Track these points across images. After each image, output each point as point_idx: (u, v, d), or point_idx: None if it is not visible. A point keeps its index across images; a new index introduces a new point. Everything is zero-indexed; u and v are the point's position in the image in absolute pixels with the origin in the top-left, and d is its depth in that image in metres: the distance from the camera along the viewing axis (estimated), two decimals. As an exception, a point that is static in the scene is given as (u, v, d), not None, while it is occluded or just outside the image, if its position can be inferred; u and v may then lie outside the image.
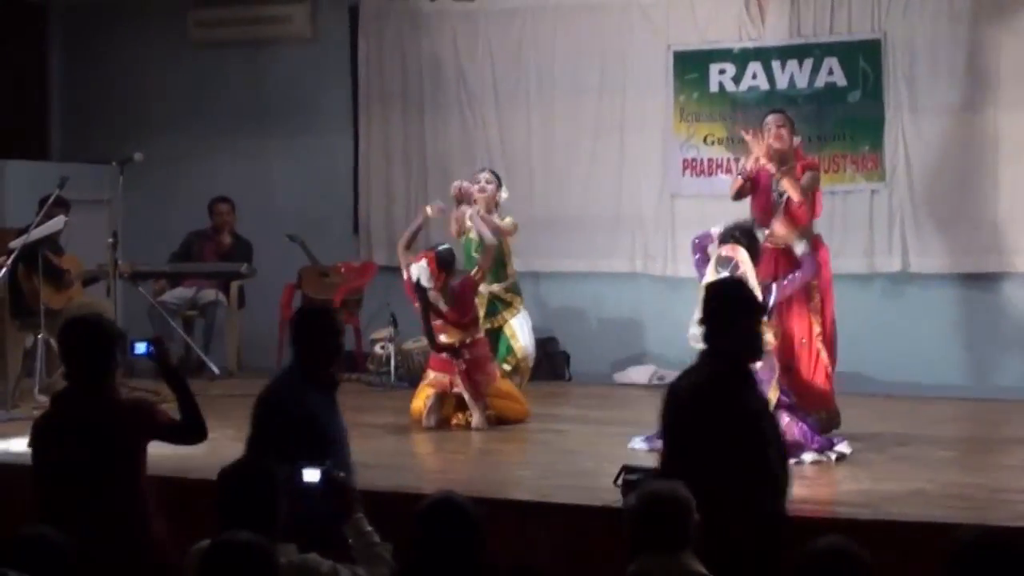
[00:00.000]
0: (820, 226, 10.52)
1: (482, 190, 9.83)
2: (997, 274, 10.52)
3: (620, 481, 6.68)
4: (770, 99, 10.97)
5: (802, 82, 10.99)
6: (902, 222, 10.74)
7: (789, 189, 8.41)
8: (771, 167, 8.51)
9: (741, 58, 11.16)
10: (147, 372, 11.37)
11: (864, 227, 10.82)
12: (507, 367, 9.77)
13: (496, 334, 9.84)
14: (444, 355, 9.25)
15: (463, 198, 9.95)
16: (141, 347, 5.73)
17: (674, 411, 5.47)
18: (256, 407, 5.92)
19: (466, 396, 9.18)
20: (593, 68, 11.61)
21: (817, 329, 8.45)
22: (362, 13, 12.39)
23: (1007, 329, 10.44)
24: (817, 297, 8.51)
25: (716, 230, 8.36)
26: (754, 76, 11.14)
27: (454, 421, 9.27)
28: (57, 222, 10.32)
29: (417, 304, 9.29)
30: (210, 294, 11.73)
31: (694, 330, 8.18)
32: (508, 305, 9.87)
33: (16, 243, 10.08)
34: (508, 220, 9.85)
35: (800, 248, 8.29)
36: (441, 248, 9.34)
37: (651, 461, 7.48)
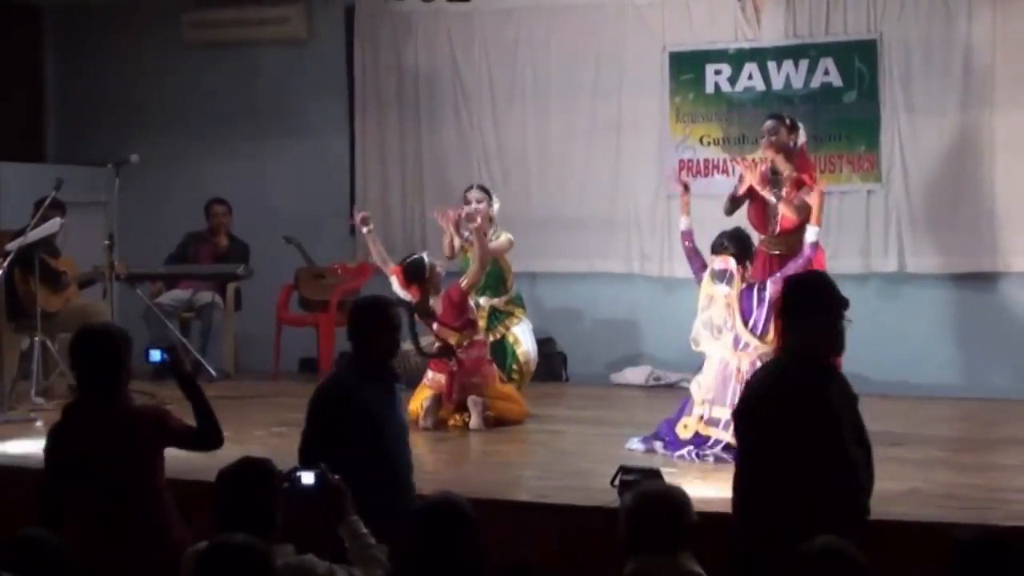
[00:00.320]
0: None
1: (476, 211, 9.78)
2: (993, 274, 10.53)
3: (617, 481, 6.69)
4: (766, 100, 10.98)
5: (798, 83, 11.00)
6: (898, 222, 10.75)
7: (785, 211, 8.46)
8: (767, 194, 8.52)
9: (737, 59, 11.17)
10: (144, 374, 11.42)
11: (860, 227, 10.83)
12: (515, 376, 9.79)
13: (499, 344, 9.84)
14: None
15: (459, 223, 9.91)
16: (156, 354, 5.71)
17: (749, 409, 5.32)
18: (312, 401, 5.90)
19: (457, 397, 9.18)
20: (589, 69, 11.61)
21: None
22: (357, 14, 12.39)
23: (1003, 329, 10.45)
24: None
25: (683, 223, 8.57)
26: (750, 77, 11.15)
27: (451, 422, 9.26)
28: (53, 224, 10.31)
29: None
30: (206, 296, 11.72)
31: (695, 333, 8.24)
32: (509, 315, 9.87)
33: (12, 245, 10.07)
34: (503, 238, 9.81)
35: (811, 235, 8.25)
36: (407, 261, 9.36)
37: (648, 462, 7.53)
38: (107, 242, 10.39)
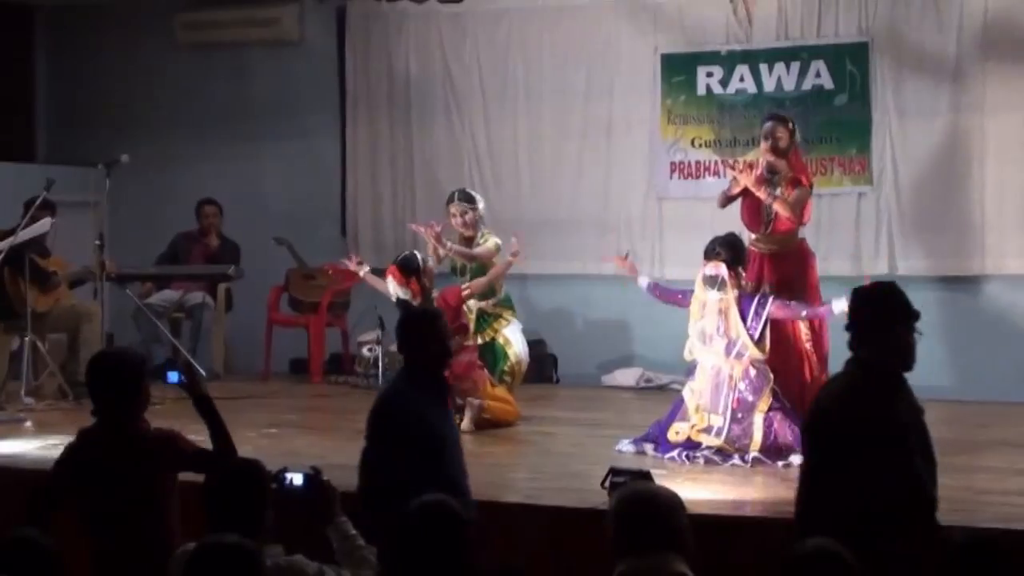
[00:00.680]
0: (807, 229, 10.56)
1: (466, 224, 9.70)
2: (983, 277, 10.55)
3: (607, 483, 6.68)
4: (757, 102, 10.99)
5: (789, 85, 11.01)
6: (889, 225, 10.76)
7: (781, 211, 8.46)
8: (762, 194, 8.52)
9: (728, 61, 11.18)
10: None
11: (851, 230, 10.84)
12: (507, 378, 9.77)
13: (489, 347, 9.83)
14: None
15: (440, 237, 9.77)
16: (174, 376, 5.69)
17: (817, 420, 5.23)
18: (371, 417, 5.87)
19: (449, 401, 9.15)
20: (580, 71, 11.62)
21: (805, 332, 8.49)
22: (349, 16, 12.39)
23: (992, 331, 10.46)
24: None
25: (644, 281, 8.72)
26: (741, 79, 11.16)
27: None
28: (43, 224, 10.30)
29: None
30: (197, 296, 11.71)
31: (690, 345, 8.25)
32: (497, 318, 9.85)
33: (2, 245, 10.06)
34: (490, 243, 9.69)
35: (838, 307, 8.25)
36: (400, 257, 9.35)
37: (638, 463, 7.53)
38: (97, 242, 10.39)
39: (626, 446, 8.30)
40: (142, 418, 5.53)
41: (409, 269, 9.22)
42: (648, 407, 9.31)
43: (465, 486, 5.87)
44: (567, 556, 6.41)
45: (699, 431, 8.06)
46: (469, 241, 9.70)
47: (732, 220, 9.01)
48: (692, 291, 8.35)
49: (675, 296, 8.53)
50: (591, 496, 6.60)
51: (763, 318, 8.05)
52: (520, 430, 9.23)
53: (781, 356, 8.26)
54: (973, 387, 10.26)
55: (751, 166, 8.86)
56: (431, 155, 12.11)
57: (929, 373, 10.47)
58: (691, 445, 8.04)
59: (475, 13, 11.95)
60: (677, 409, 8.28)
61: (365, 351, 11.40)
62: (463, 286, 9.45)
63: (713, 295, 8.11)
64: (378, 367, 11.21)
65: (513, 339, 9.83)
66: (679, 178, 11.36)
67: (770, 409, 8.00)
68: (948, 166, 10.59)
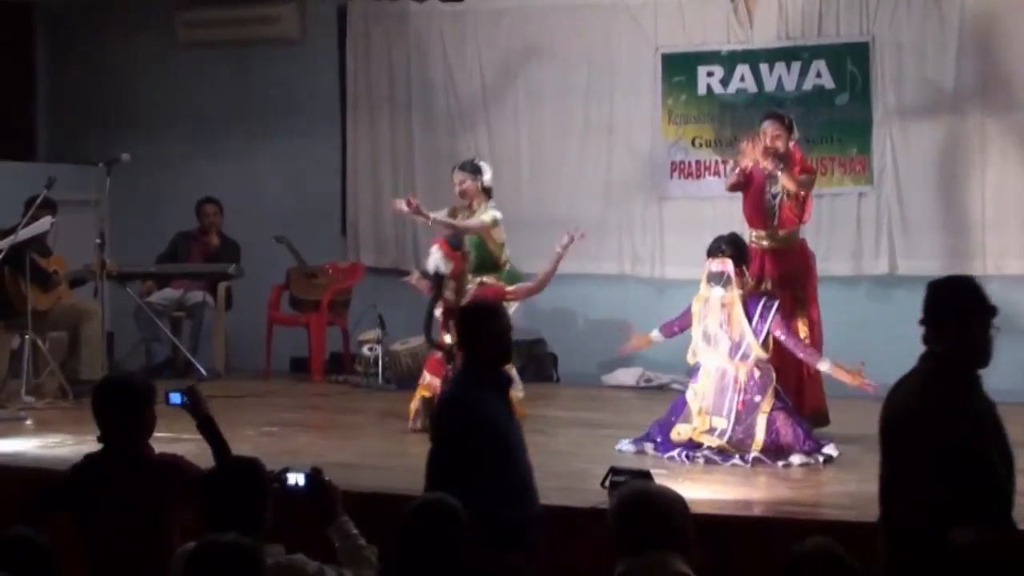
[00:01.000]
0: (808, 228, 10.55)
1: (462, 193, 9.64)
2: (983, 277, 10.50)
3: (607, 483, 6.68)
4: (758, 101, 10.98)
5: (790, 84, 11.01)
6: (889, 225, 10.76)
7: (787, 182, 8.47)
8: (769, 163, 8.52)
9: (729, 60, 11.17)
10: (135, 370, 11.42)
11: (851, 230, 10.84)
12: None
13: None
14: (439, 356, 9.15)
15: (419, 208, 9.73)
16: (176, 397, 5.65)
17: (892, 416, 5.17)
18: (436, 419, 5.83)
19: None
20: (581, 70, 11.62)
21: (804, 332, 8.51)
22: (350, 14, 12.39)
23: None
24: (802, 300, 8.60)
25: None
26: (742, 79, 11.16)
27: None
28: (44, 223, 10.30)
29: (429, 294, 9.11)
30: (197, 295, 11.71)
31: (694, 345, 8.24)
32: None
33: (3, 244, 10.07)
34: (486, 216, 9.47)
35: (824, 367, 8.27)
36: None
37: (638, 463, 7.53)
38: (98, 241, 10.40)
39: (626, 445, 8.30)
40: (147, 443, 5.49)
41: (455, 244, 9.14)
42: (648, 406, 9.31)
43: (533, 486, 5.76)
44: (567, 555, 6.41)
45: (701, 432, 8.06)
46: (468, 213, 9.56)
47: (734, 220, 9.01)
48: (688, 306, 8.36)
49: (680, 322, 8.49)
50: (591, 495, 6.59)
51: (768, 321, 8.06)
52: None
53: (778, 353, 8.26)
54: (973, 387, 10.24)
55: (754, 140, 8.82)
56: (431, 154, 12.11)
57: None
58: (692, 445, 8.04)
59: (476, 12, 11.95)
60: (677, 409, 8.27)
61: (366, 350, 11.39)
62: (509, 288, 9.30)
63: (716, 292, 8.10)
64: (378, 366, 11.21)
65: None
66: (680, 178, 11.35)
67: (773, 409, 8.00)
68: (949, 166, 10.59)
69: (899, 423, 5.08)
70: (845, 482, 7.40)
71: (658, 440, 8.21)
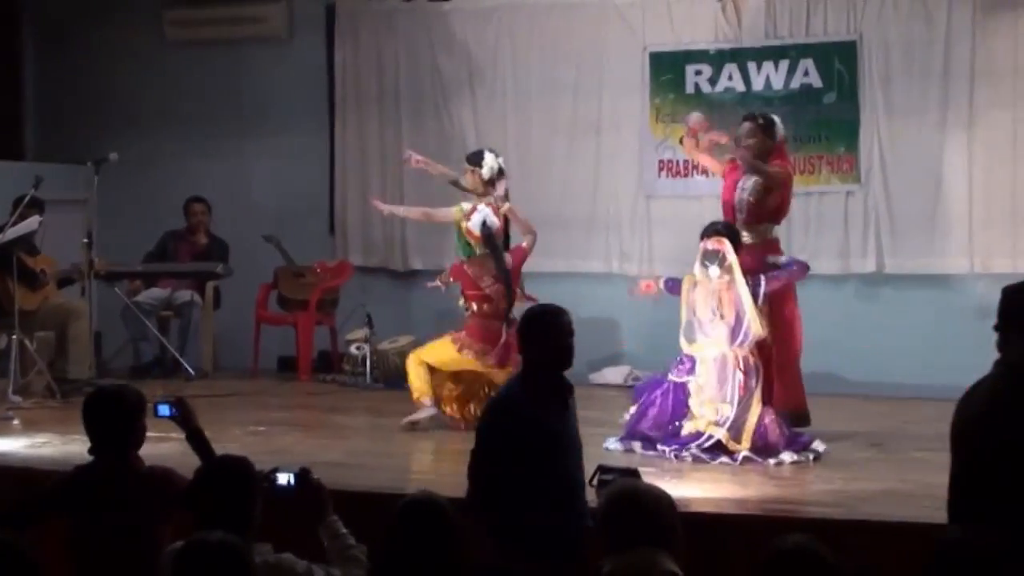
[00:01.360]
0: (795, 226, 10.60)
1: (471, 184, 9.66)
2: (971, 275, 10.57)
3: (595, 481, 6.70)
4: (746, 100, 11.00)
5: (778, 83, 11.02)
6: (877, 223, 10.78)
7: (745, 160, 8.52)
8: (718, 137, 8.70)
9: (717, 59, 11.19)
10: (122, 371, 11.43)
11: (839, 228, 10.86)
12: None
13: None
14: (497, 326, 8.96)
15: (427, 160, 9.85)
16: (164, 409, 5.62)
17: (964, 425, 5.10)
18: (483, 418, 5.77)
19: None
20: (569, 69, 11.63)
21: (765, 328, 8.45)
22: (338, 13, 12.38)
23: (980, 330, 10.37)
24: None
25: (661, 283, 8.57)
26: (730, 77, 11.17)
27: (448, 411, 9.16)
28: (32, 222, 10.28)
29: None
30: (185, 294, 11.69)
31: (685, 330, 8.24)
32: None
33: (-9, 243, 10.06)
34: (454, 209, 9.50)
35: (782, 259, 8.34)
36: None
37: (626, 462, 7.53)
38: (86, 240, 10.38)
39: (614, 444, 8.30)
40: (136, 455, 5.47)
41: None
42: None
43: (581, 498, 5.70)
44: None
45: (710, 423, 8.00)
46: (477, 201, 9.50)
47: (721, 219, 9.00)
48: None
49: (679, 285, 8.48)
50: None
51: (760, 299, 8.08)
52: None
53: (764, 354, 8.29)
54: (962, 385, 10.20)
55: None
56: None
57: (918, 371, 10.61)
58: (697, 436, 7.99)
59: (464, 10, 11.95)
60: (678, 410, 8.22)
61: (353, 349, 11.40)
62: (525, 243, 9.34)
63: (713, 271, 8.06)
64: (366, 365, 11.21)
65: None
66: (667, 176, 11.37)
67: (764, 402, 8.01)
68: (936, 164, 10.61)
69: (970, 428, 5.03)
70: (831, 480, 7.42)
71: (648, 435, 8.20)
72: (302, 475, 4.95)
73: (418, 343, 11.22)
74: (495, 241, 9.06)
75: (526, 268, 9.45)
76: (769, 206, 8.58)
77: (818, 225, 10.84)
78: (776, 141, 8.76)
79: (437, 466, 8.49)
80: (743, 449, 7.87)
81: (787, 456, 7.90)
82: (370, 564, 4.76)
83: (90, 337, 10.56)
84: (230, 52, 12.75)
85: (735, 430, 7.92)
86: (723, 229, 8.23)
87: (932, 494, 6.95)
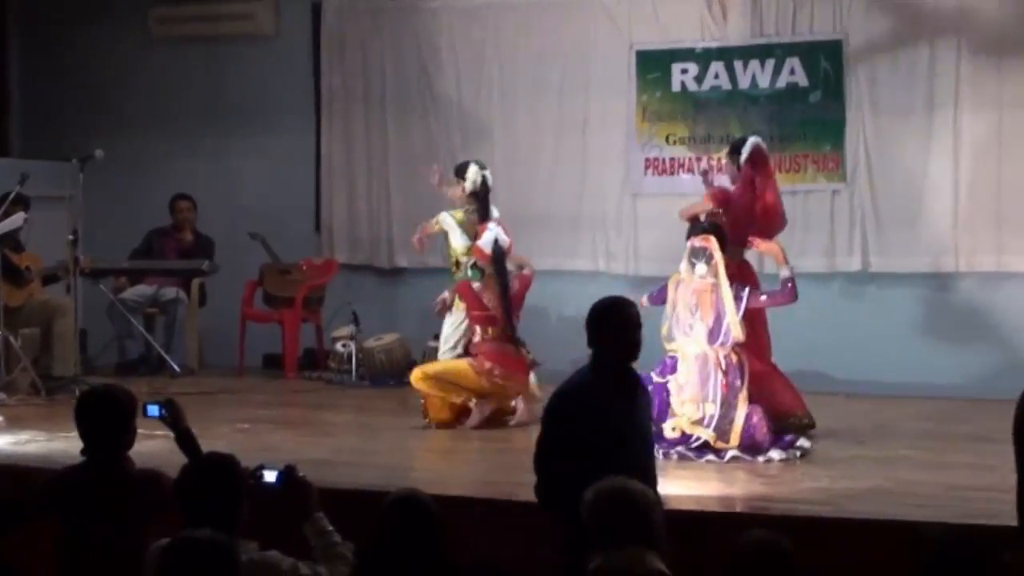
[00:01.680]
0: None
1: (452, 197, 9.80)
2: (956, 274, 10.59)
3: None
4: (732, 99, 11.02)
5: (764, 82, 11.02)
6: (862, 222, 10.79)
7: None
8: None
9: (703, 58, 11.19)
10: (108, 369, 11.42)
11: (824, 227, 10.87)
12: None
13: None
14: (512, 349, 9.12)
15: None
16: (154, 410, 5.60)
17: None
18: (548, 410, 5.71)
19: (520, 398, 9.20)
20: (555, 67, 11.62)
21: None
22: (324, 11, 12.36)
23: (966, 328, 10.49)
24: None
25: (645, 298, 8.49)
26: (716, 76, 11.17)
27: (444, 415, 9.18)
28: (17, 219, 10.27)
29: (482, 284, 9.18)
30: (171, 291, 11.68)
31: (666, 331, 8.25)
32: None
33: (-25, 240, 10.04)
34: (434, 221, 9.86)
35: (784, 272, 8.33)
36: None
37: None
38: (71, 237, 10.35)
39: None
40: (127, 456, 5.45)
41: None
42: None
43: (651, 484, 5.57)
44: (539, 551, 6.41)
45: (692, 423, 8.01)
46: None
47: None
48: (665, 284, 8.36)
49: (659, 295, 8.50)
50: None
51: (743, 303, 8.09)
52: (494, 426, 9.22)
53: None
54: (947, 383, 10.30)
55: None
56: (406, 150, 12.10)
57: (904, 370, 10.64)
58: (684, 439, 8.00)
59: (451, 9, 11.94)
60: (661, 411, 8.23)
61: (339, 347, 11.39)
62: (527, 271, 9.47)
63: (699, 269, 8.07)
64: (352, 363, 11.21)
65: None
66: (654, 175, 11.36)
67: (751, 400, 8.02)
68: (922, 163, 10.63)
69: None
70: (818, 478, 7.43)
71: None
72: (288, 472, 4.94)
73: (404, 340, 11.28)
74: (504, 263, 9.10)
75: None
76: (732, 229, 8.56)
77: (804, 223, 10.83)
78: (741, 164, 8.74)
79: (423, 464, 8.51)
80: (731, 448, 7.88)
81: (775, 454, 7.91)
82: (356, 561, 4.76)
83: (75, 334, 10.53)
84: (216, 49, 12.74)
85: (720, 429, 7.93)
86: (710, 228, 8.26)
87: (917, 492, 7.02)
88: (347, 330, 11.40)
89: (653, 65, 11.35)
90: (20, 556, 5.76)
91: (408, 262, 11.89)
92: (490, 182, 9.78)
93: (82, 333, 11.31)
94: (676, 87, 11.29)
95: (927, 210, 10.61)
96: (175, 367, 11.13)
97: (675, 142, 11.28)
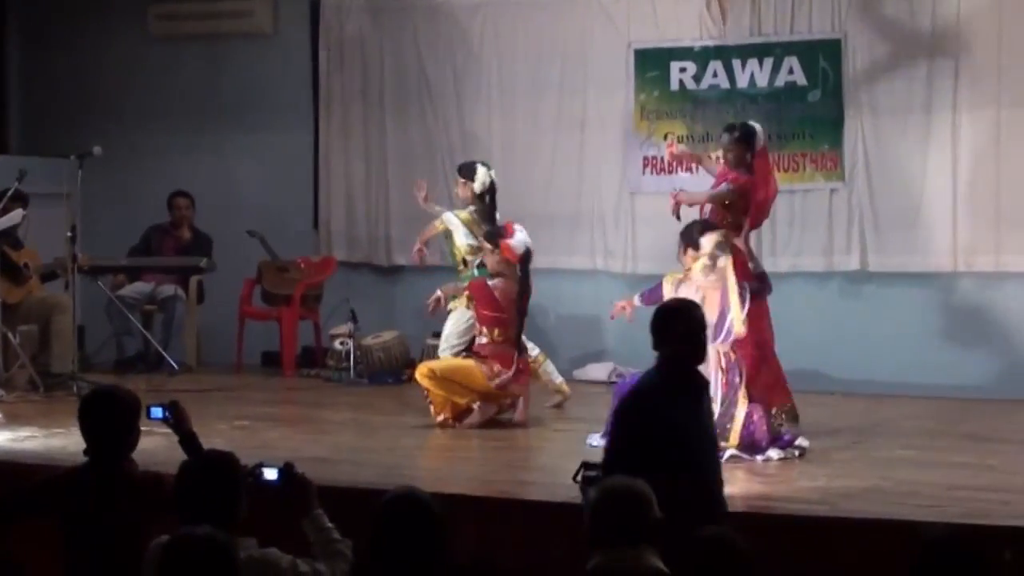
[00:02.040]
0: (779, 223, 10.65)
1: (461, 197, 9.83)
2: (954, 273, 10.59)
3: (579, 477, 6.68)
4: (731, 98, 11.03)
5: (762, 81, 11.03)
6: (861, 221, 10.79)
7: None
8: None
9: (702, 56, 11.19)
10: (107, 366, 11.41)
11: (823, 226, 10.87)
12: None
13: None
14: (515, 352, 9.11)
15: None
16: (158, 412, 5.58)
17: None
18: (617, 412, 5.73)
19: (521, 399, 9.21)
20: (554, 65, 11.62)
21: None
22: (323, 8, 12.36)
23: (963, 328, 10.50)
24: None
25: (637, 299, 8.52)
26: (715, 75, 11.18)
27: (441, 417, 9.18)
28: (15, 216, 10.26)
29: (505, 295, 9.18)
30: (169, 289, 11.68)
31: None
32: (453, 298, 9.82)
33: (-27, 237, 10.03)
34: (438, 222, 9.88)
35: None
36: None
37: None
38: (69, 234, 10.34)
39: (597, 440, 8.30)
40: (130, 458, 5.44)
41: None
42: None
43: (719, 493, 5.67)
44: (538, 550, 6.42)
45: None
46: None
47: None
48: (660, 282, 8.37)
49: (653, 294, 8.50)
50: (563, 490, 6.60)
51: (746, 302, 8.10)
52: (491, 424, 9.22)
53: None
54: (945, 383, 10.30)
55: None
56: (404, 148, 12.10)
57: (902, 369, 10.64)
58: None
59: (450, 6, 11.94)
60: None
61: (337, 344, 11.39)
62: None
63: (722, 261, 8.09)
64: (350, 360, 11.21)
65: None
66: (652, 173, 11.37)
67: (751, 399, 8.02)
68: (920, 162, 10.63)
69: None
70: (815, 477, 7.43)
71: None
72: (287, 470, 4.94)
73: (402, 338, 11.28)
74: (529, 266, 9.12)
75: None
76: (729, 219, 8.54)
77: (802, 223, 10.85)
78: (755, 151, 8.73)
79: (421, 462, 8.51)
80: (731, 447, 7.88)
81: (774, 453, 7.91)
82: (355, 559, 4.77)
83: (73, 331, 10.52)
84: (214, 47, 12.73)
85: (720, 427, 7.92)
86: (711, 226, 8.27)
87: (915, 491, 7.02)
88: (345, 328, 11.40)
89: (651, 64, 11.35)
90: (31, 556, 5.77)
91: (406, 260, 11.87)
92: (496, 182, 9.83)
93: (80, 330, 11.30)
94: (674, 86, 11.29)
95: (925, 209, 10.61)
96: (173, 364, 11.12)
97: (673, 140, 11.27)
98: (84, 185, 10.64)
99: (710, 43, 11.17)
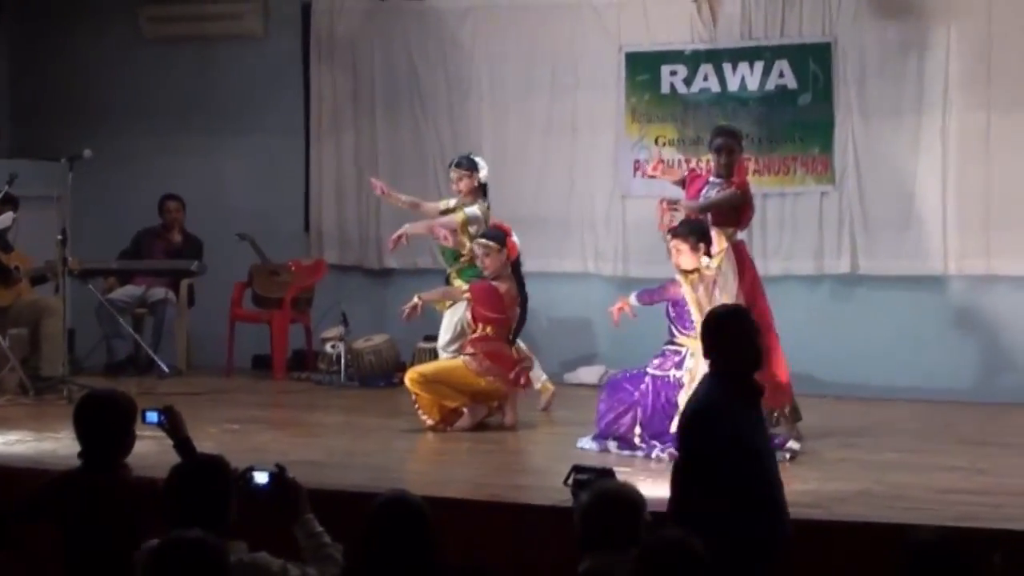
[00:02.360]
0: (770, 226, 10.66)
1: (459, 191, 9.78)
2: (945, 276, 10.60)
3: (570, 481, 6.68)
4: (721, 101, 11.03)
5: (753, 84, 11.04)
6: (851, 224, 10.80)
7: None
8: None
9: (692, 60, 11.20)
10: (98, 369, 11.40)
11: (813, 229, 10.88)
12: None
13: None
14: (507, 350, 9.16)
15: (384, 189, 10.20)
16: (153, 416, 5.57)
17: None
18: (682, 426, 5.66)
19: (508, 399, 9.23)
20: (545, 68, 11.63)
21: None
22: (314, 11, 12.35)
23: (955, 331, 10.52)
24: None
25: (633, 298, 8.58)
26: (705, 78, 11.19)
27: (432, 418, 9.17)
28: (5, 219, 10.27)
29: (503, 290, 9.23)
30: (160, 292, 11.67)
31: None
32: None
33: (-36, 240, 10.02)
34: (459, 215, 9.72)
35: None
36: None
37: (600, 461, 7.53)
38: (60, 237, 10.33)
39: (587, 444, 8.31)
40: (124, 463, 5.43)
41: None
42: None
43: (783, 502, 5.59)
44: (529, 553, 6.42)
45: None
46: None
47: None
48: (667, 284, 8.38)
49: (657, 294, 8.49)
50: (554, 493, 6.60)
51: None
52: (483, 427, 9.23)
53: None
54: (936, 386, 10.31)
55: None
56: (395, 151, 12.10)
57: (892, 372, 10.65)
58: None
59: (440, 10, 11.94)
60: (627, 402, 8.24)
61: (328, 347, 11.39)
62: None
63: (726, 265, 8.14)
64: (341, 364, 11.20)
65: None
66: (643, 176, 11.36)
67: None
68: (911, 165, 10.64)
69: None
70: (807, 480, 7.42)
71: (645, 438, 8.20)
72: (277, 473, 4.94)
73: (393, 342, 11.28)
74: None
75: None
76: (733, 216, 8.58)
77: (793, 226, 10.87)
78: (742, 150, 8.84)
79: (412, 465, 8.50)
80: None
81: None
82: (345, 563, 4.76)
83: (64, 334, 10.52)
84: (205, 49, 12.73)
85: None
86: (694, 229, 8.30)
87: (906, 495, 7.03)
88: (336, 331, 11.39)
89: (642, 67, 11.36)
90: (32, 562, 5.76)
91: (397, 263, 11.88)
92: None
93: (70, 333, 11.30)
94: (665, 89, 11.30)
95: (916, 212, 10.62)
96: (164, 367, 11.11)
97: (664, 144, 11.29)
98: (75, 188, 10.62)
99: (701, 47, 11.18)
